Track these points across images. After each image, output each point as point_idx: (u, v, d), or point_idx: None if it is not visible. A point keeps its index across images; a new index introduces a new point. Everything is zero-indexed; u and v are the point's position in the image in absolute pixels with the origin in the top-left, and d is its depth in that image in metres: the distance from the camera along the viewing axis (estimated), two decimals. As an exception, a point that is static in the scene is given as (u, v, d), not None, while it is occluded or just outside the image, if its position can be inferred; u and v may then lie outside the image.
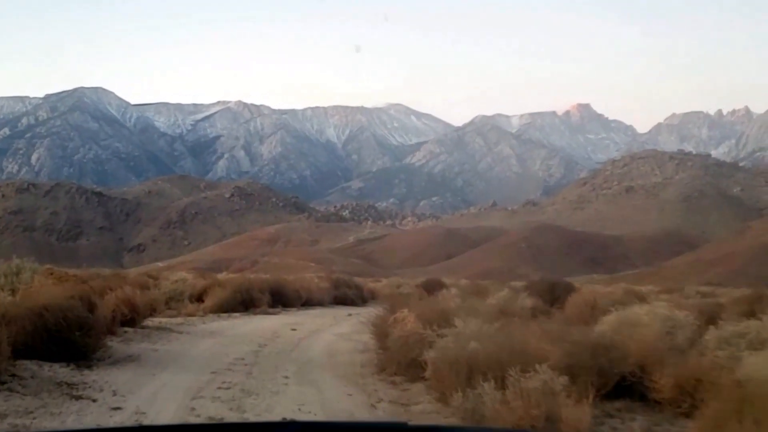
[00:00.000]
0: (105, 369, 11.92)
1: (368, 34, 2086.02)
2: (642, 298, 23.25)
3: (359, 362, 14.65)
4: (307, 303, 28.07)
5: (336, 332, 19.89)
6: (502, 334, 10.78)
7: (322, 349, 16.66)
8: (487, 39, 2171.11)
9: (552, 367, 8.70)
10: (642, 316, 13.67)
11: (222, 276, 50.20)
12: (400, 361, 12.53)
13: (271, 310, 24.32)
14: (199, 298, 24.82)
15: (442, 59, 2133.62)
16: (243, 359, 13.92)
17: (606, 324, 14.18)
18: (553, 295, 26.16)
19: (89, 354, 12.40)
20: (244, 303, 23.58)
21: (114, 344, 14.30)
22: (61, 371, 11.29)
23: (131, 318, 16.96)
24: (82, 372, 11.48)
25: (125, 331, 16.30)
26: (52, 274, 15.43)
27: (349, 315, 24.71)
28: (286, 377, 12.24)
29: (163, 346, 15.34)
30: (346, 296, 30.70)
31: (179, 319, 20.35)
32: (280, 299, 26.16)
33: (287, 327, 19.99)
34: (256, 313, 23.16)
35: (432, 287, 45.58)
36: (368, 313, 27.52)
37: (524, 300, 22.72)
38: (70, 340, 11.90)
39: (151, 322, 18.76)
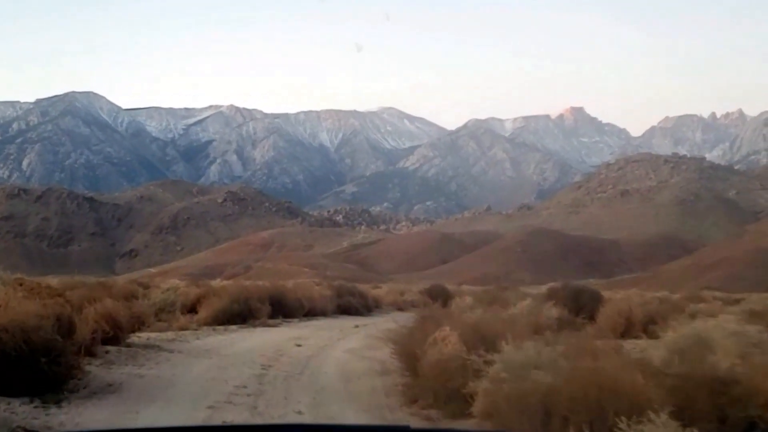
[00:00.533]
0: (77, 405, 9.68)
1: (362, 37, 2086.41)
2: (680, 309, 21.08)
3: (382, 389, 12.46)
4: (310, 313, 25.93)
5: (346, 348, 17.74)
6: (572, 361, 8.55)
7: (335, 372, 14.40)
8: (481, 42, 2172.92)
9: (658, 411, 6.51)
10: (710, 332, 11.36)
11: (216, 283, 47.98)
12: (437, 391, 10.33)
13: (271, 321, 22.21)
14: (192, 308, 22.69)
15: (435, 63, 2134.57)
16: (245, 387, 11.71)
17: (669, 342, 11.88)
18: (578, 304, 24.03)
19: (59, 385, 10.21)
20: (241, 314, 21.46)
21: (92, 369, 12.14)
22: (21, 410, 9.16)
23: (114, 335, 14.73)
24: (48, 410, 9.30)
25: (107, 351, 14.06)
26: (21, 285, 13.13)
27: (356, 327, 22.63)
28: (300, 412, 10.04)
29: (150, 369, 13.16)
30: (349, 305, 28.56)
31: (170, 334, 18.18)
32: (281, 309, 24.06)
33: (291, 342, 17.82)
34: (255, 326, 21.05)
35: (437, 294, 43.43)
36: (376, 324, 25.42)
37: (550, 310, 20.67)
38: (34, 368, 9.73)
39: (138, 338, 16.62)
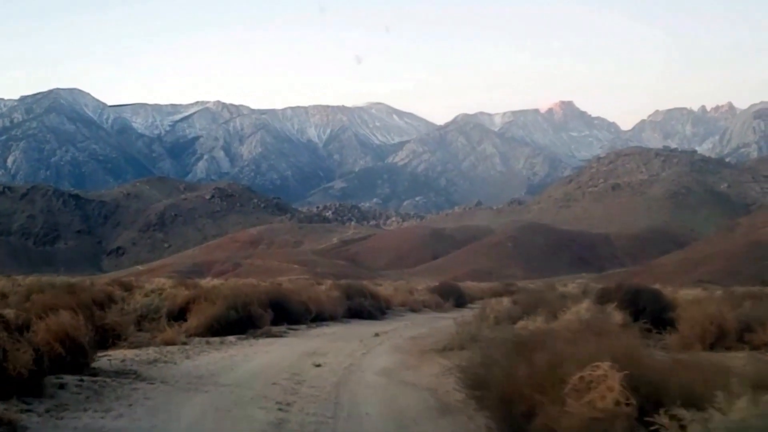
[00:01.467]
0: None
1: (348, 33, 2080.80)
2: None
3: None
4: (318, 318, 22.14)
5: (378, 368, 13.81)
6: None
7: (380, 411, 10.30)
8: (469, 36, 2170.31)
9: None
10: None
11: (206, 282, 43.99)
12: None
13: (275, 329, 18.41)
14: (180, 313, 18.92)
15: (423, 58, 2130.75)
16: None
17: None
18: (637, 306, 20.26)
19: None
20: (240, 322, 17.67)
21: (31, 421, 8.13)
22: None
23: (74, 360, 10.80)
24: None
25: (61, 385, 10.05)
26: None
27: (377, 335, 18.82)
28: None
29: (117, 419, 8.91)
30: (361, 307, 24.79)
31: (152, 352, 14.28)
32: (284, 315, 20.30)
33: (307, 360, 13.94)
34: (257, 336, 17.19)
35: (448, 293, 39.77)
36: (397, 330, 21.71)
37: (612, 315, 16.98)
38: None
39: (110, 359, 12.83)
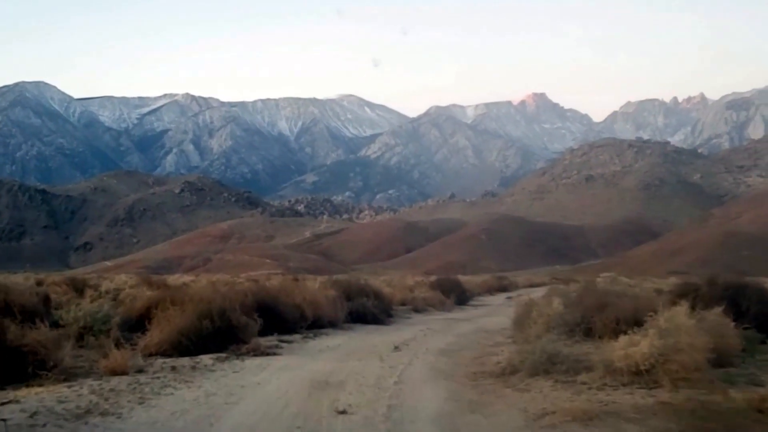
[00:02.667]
0: None
1: (319, 27, 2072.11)
2: None
3: None
4: (315, 324, 17.59)
5: (429, 411, 8.89)
6: None
7: None
8: (441, 27, 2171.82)
9: None
10: None
11: (175, 279, 39.20)
12: None
13: (264, 342, 13.78)
14: (141, 321, 14.32)
15: (395, 49, 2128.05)
16: None
17: None
18: (739, 307, 15.95)
19: None
20: (218, 334, 13.07)
21: None
22: None
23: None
24: None
25: None
26: None
27: (396, 348, 14.26)
28: None
29: None
30: (364, 310, 20.26)
31: (88, 390, 9.39)
32: (274, 321, 15.78)
33: (320, 399, 9.11)
34: (241, 355, 12.55)
35: (450, 289, 35.34)
36: (417, 340, 17.23)
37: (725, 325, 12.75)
38: None
39: (18, 404, 8.24)
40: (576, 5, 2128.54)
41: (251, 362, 12.24)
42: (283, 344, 14.77)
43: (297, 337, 16.11)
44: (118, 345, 12.78)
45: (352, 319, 19.77)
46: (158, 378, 10.61)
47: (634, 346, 10.06)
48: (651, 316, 11.71)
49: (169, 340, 12.82)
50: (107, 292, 19.81)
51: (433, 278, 46.92)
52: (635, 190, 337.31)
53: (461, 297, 35.20)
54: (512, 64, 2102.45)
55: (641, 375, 9.90)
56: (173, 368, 11.45)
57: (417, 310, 27.29)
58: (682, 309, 11.72)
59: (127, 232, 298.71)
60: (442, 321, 22.61)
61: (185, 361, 12.12)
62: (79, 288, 22.49)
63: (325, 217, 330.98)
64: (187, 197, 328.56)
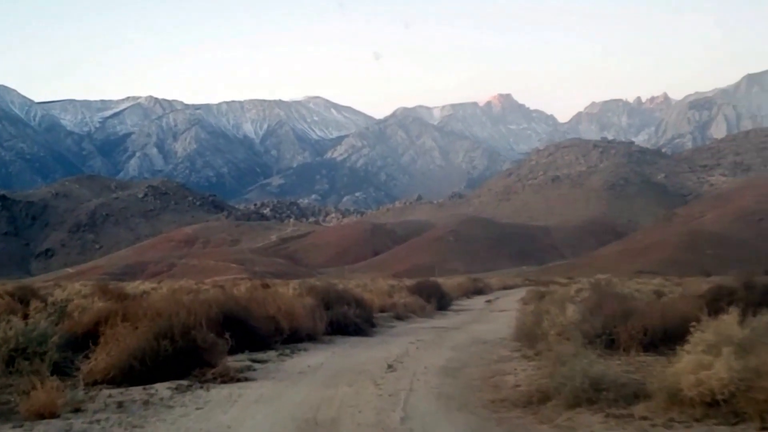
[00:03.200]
0: None
1: (282, 29, 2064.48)
2: None
3: None
4: (292, 337, 15.29)
5: None
6: None
7: None
8: (407, 29, 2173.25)
9: None
10: None
11: (136, 287, 36.69)
12: None
13: (233, 363, 11.51)
14: (89, 339, 11.92)
15: (361, 50, 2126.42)
16: None
17: None
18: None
19: None
20: (179, 356, 10.73)
21: None
22: None
23: None
24: None
25: None
26: None
27: (390, 368, 12.08)
28: None
29: None
30: (345, 319, 17.98)
31: None
32: (244, 335, 13.54)
33: None
34: (206, 382, 10.15)
35: (429, 292, 33.28)
36: (410, 355, 15.03)
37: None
38: None
39: None
40: (540, 7, 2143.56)
41: (219, 392, 9.94)
42: (256, 365, 12.50)
43: (272, 354, 13.84)
44: (57, 371, 10.50)
45: (332, 330, 17.57)
46: (98, 422, 8.26)
47: (705, 369, 7.94)
48: (694, 326, 9.65)
49: (118, 364, 10.52)
50: (54, 304, 17.31)
51: (409, 282, 44.82)
52: (600, 190, 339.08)
53: (441, 302, 33.16)
54: (478, 65, 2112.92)
55: (717, 406, 7.81)
56: (120, 405, 9.07)
57: (399, 318, 25.14)
58: (733, 318, 9.61)
59: (90, 237, 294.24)
60: (430, 330, 20.48)
61: (137, 392, 9.80)
62: (25, 299, 19.93)
63: (291, 220, 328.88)
64: (151, 202, 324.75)
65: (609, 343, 13.00)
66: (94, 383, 10.48)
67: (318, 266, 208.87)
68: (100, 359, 10.82)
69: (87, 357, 11.16)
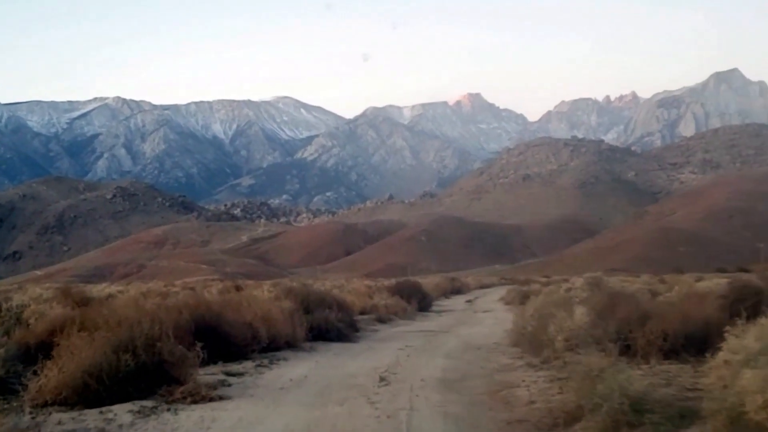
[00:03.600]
0: None
1: (250, 28, 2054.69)
2: None
3: None
4: (270, 346, 13.85)
5: None
6: None
7: None
8: (375, 28, 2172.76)
9: None
10: None
11: (101, 290, 34.94)
12: None
13: (205, 378, 10.07)
14: (44, 350, 10.34)
15: (330, 50, 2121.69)
16: None
17: None
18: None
19: None
20: (143, 373, 9.19)
21: None
22: None
23: None
24: None
25: None
26: None
27: (384, 381, 10.54)
28: None
29: None
30: (327, 324, 16.55)
31: None
32: (218, 344, 12.10)
33: None
34: (174, 402, 8.61)
35: (410, 293, 31.92)
36: (401, 365, 13.55)
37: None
38: None
39: None
40: (509, 7, 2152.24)
41: (189, 416, 8.45)
42: (232, 379, 11.04)
43: (248, 365, 12.39)
44: (2, 390, 9.06)
45: (316, 335, 16.14)
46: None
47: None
48: (727, 331, 8.39)
49: (71, 383, 9.04)
50: (9, 310, 15.74)
51: (387, 282, 43.39)
52: (571, 188, 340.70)
53: (422, 303, 31.77)
54: (447, 65, 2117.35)
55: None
56: (70, 435, 7.63)
57: (381, 320, 23.73)
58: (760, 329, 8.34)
59: (58, 239, 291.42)
60: (417, 335, 19.10)
61: (92, 417, 8.29)
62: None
63: (262, 220, 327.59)
64: (120, 203, 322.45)
65: (624, 349, 11.70)
66: (44, 405, 9.00)
67: (289, 266, 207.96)
68: (51, 376, 9.31)
69: (36, 373, 9.64)
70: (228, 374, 11.52)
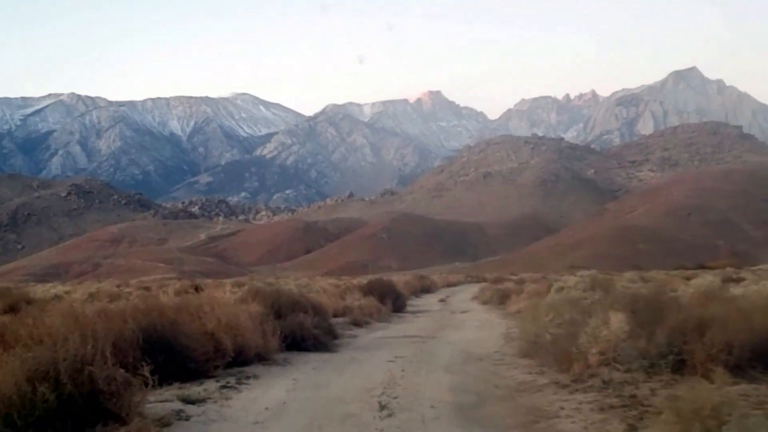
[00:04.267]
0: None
1: (208, 24, 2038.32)
2: None
3: None
4: (237, 359, 11.37)
5: None
6: None
7: None
8: (335, 25, 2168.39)
9: None
10: None
11: (46, 291, 32.22)
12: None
13: (157, 407, 7.68)
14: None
15: (289, 47, 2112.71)
16: None
17: None
18: None
19: None
20: (69, 408, 6.75)
21: None
22: None
23: None
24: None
25: None
26: None
27: (385, 409, 8.17)
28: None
29: None
30: (303, 330, 14.13)
31: None
32: (172, 360, 9.62)
33: None
34: None
35: (383, 293, 29.72)
36: (395, 379, 11.14)
37: None
38: None
39: None
40: (468, 4, 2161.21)
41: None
42: (191, 408, 8.57)
43: (211, 386, 9.94)
44: None
45: (290, 345, 13.75)
46: None
47: None
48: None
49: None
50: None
51: (353, 281, 41.19)
52: (532, 186, 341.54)
53: (397, 303, 29.57)
54: (408, 62, 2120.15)
55: None
56: None
57: (357, 324, 21.46)
58: None
59: (11, 238, 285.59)
60: (403, 341, 16.80)
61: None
62: None
63: (220, 218, 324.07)
64: (75, 200, 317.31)
65: (678, 364, 9.54)
66: None
67: (249, 265, 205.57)
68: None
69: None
70: (186, 401, 9.07)
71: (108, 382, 7.33)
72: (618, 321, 10.23)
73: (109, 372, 7.41)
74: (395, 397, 9.45)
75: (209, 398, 9.35)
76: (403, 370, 11.86)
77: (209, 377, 10.73)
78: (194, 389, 9.81)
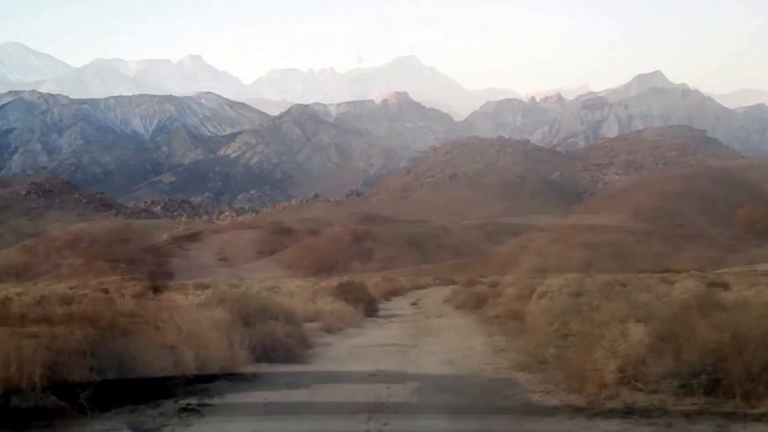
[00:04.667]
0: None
1: (162, 22, 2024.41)
2: None
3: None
4: (201, 374, 9.83)
5: None
6: None
7: None
8: (287, 20, 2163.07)
9: None
10: None
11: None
12: None
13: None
14: None
15: (255, 43, 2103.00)
16: None
17: None
18: None
19: None
20: None
21: None
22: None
23: None
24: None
25: None
26: None
27: None
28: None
29: None
30: (274, 340, 12.64)
31: None
32: (124, 378, 8.14)
33: None
34: None
35: (355, 297, 28.42)
36: (387, 406, 9.73)
37: None
38: None
39: None
40: (430, 5, 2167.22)
41: None
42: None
43: (168, 410, 8.40)
44: None
45: (260, 356, 12.27)
46: None
47: None
48: None
49: None
50: None
51: (322, 283, 39.92)
52: (497, 188, 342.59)
53: (369, 307, 28.23)
54: (374, 63, 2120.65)
55: None
56: None
57: (329, 330, 20.02)
58: None
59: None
60: (380, 350, 15.41)
61: None
62: None
63: (183, 218, 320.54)
64: (35, 199, 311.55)
65: (712, 384, 8.25)
66: None
67: (212, 266, 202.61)
68: None
69: None
70: (137, 430, 7.58)
71: (37, 413, 5.83)
72: (638, 333, 8.92)
73: (38, 399, 5.91)
74: (385, 424, 8.05)
75: (165, 426, 7.85)
76: (388, 387, 10.45)
77: (167, 397, 9.21)
78: (148, 414, 8.30)
